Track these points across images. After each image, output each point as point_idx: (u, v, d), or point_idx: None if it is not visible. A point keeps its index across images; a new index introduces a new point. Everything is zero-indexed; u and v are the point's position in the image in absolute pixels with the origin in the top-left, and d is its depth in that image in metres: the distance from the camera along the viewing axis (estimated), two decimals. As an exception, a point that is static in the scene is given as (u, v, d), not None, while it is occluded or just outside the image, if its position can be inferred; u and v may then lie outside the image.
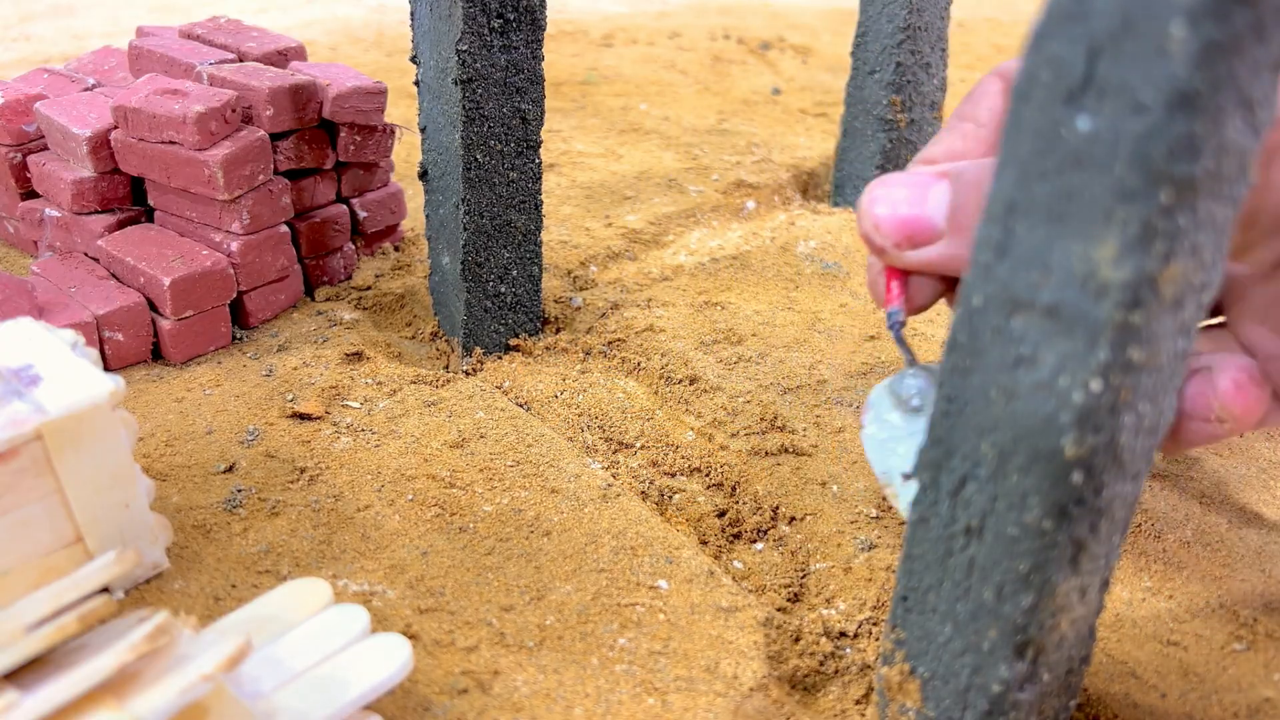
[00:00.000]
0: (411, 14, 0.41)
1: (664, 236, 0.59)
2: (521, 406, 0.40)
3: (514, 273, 0.44)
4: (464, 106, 0.39)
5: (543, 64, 0.40)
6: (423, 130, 0.43)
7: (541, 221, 0.43)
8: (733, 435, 0.39)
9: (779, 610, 0.31)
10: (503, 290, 0.44)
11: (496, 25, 0.38)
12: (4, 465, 0.25)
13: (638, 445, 0.39)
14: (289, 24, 1.10)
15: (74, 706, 0.21)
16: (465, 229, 0.41)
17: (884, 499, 0.36)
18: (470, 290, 0.43)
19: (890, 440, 0.29)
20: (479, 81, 0.38)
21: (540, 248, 0.44)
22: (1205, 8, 0.15)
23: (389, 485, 0.35)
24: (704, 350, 0.45)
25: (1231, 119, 0.16)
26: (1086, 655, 0.24)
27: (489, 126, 0.40)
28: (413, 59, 0.42)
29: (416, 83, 0.42)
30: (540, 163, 0.42)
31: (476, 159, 0.40)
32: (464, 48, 0.37)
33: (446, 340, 0.46)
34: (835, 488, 0.37)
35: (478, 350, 0.44)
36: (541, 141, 0.42)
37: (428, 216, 0.44)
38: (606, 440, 0.39)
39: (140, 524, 0.29)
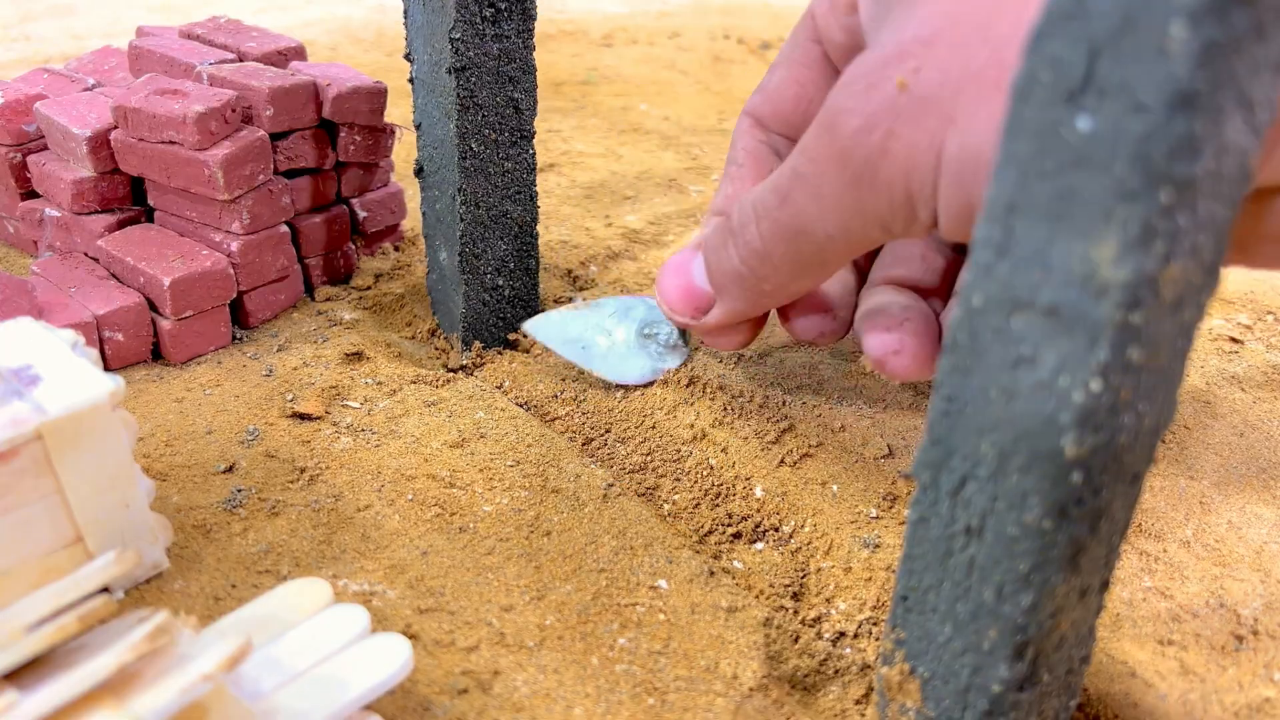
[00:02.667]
0: (405, 12, 0.41)
1: (664, 236, 0.59)
2: (521, 406, 0.40)
3: (511, 265, 0.44)
4: (458, 95, 0.39)
5: (534, 54, 0.40)
6: (418, 127, 0.43)
7: (537, 213, 0.43)
8: (733, 435, 0.39)
9: (779, 610, 0.31)
10: (500, 284, 0.44)
11: (488, 14, 0.38)
12: (4, 465, 0.25)
13: (638, 444, 0.39)
14: (289, 24, 1.10)
15: (74, 706, 0.21)
16: (462, 220, 0.41)
17: (883, 498, 0.36)
18: (468, 283, 0.43)
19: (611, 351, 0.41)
20: (472, 70, 0.39)
21: (537, 240, 0.44)
22: (1205, 7, 0.15)
23: (389, 485, 0.35)
24: (704, 350, 0.45)
25: (1232, 119, 0.16)
26: (1086, 655, 0.24)
27: (483, 115, 0.40)
28: (406, 56, 0.42)
29: (411, 79, 0.42)
30: (534, 153, 0.42)
31: (472, 148, 0.40)
32: (457, 35, 0.38)
33: (445, 338, 0.46)
34: (835, 488, 0.37)
35: (477, 345, 0.44)
36: (535, 132, 0.42)
37: (424, 214, 0.44)
38: (607, 440, 0.39)
39: (140, 524, 0.29)
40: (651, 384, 0.41)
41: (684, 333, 0.40)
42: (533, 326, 0.42)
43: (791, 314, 0.37)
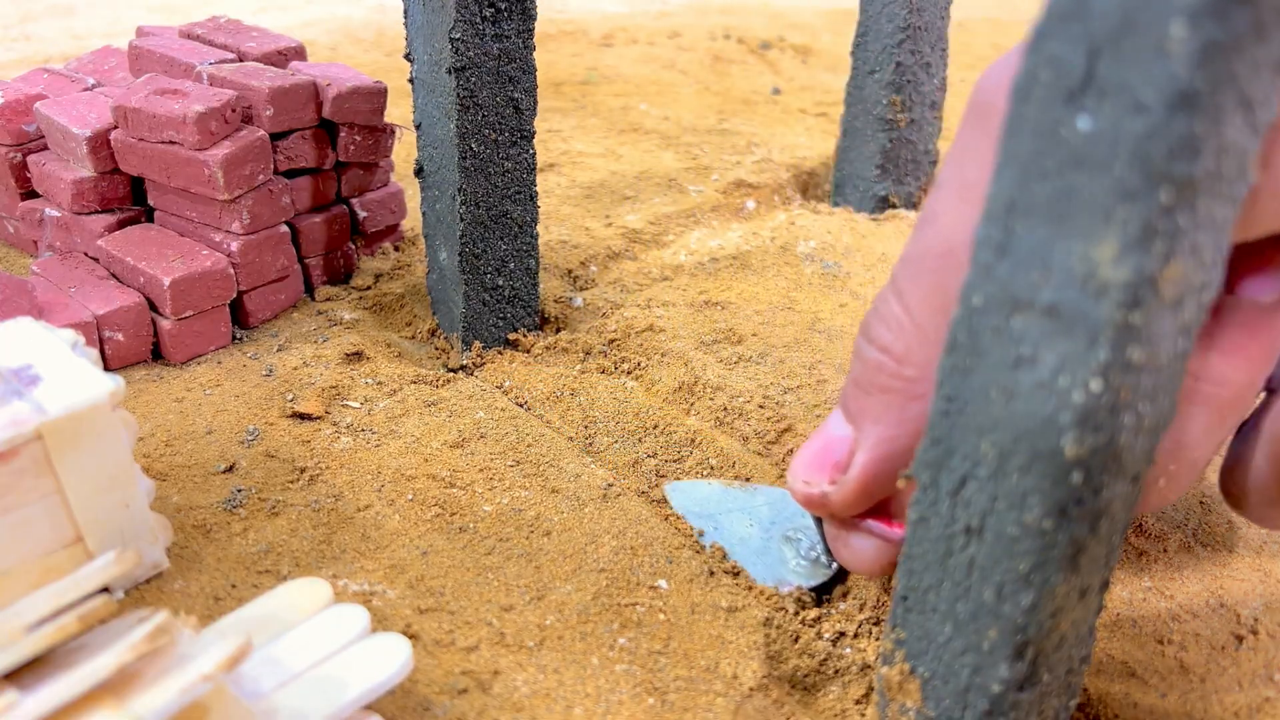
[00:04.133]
0: (405, 11, 0.41)
1: (664, 236, 0.59)
2: (521, 406, 0.40)
3: (511, 265, 0.44)
4: (458, 95, 0.39)
5: (534, 54, 0.40)
6: (418, 127, 0.43)
7: (537, 213, 0.43)
8: (733, 435, 0.39)
9: (779, 610, 0.31)
10: (500, 283, 0.44)
11: (488, 14, 0.38)
12: (4, 465, 0.25)
13: (638, 445, 0.39)
14: (289, 24, 1.10)
15: (74, 706, 0.21)
16: (462, 219, 0.41)
17: None
18: (468, 283, 0.43)
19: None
20: (472, 70, 0.39)
21: (536, 240, 0.44)
22: (1205, 7, 0.15)
23: (389, 485, 0.35)
24: (704, 350, 0.45)
25: (1232, 119, 0.16)
26: (1086, 655, 0.24)
27: (483, 115, 0.40)
28: (407, 56, 0.42)
29: (411, 79, 0.42)
30: (534, 153, 0.42)
31: (472, 148, 0.40)
32: (457, 35, 0.38)
33: (445, 338, 0.46)
34: (835, 487, 0.37)
35: (477, 344, 0.44)
36: (535, 132, 0.42)
37: (424, 214, 0.44)
38: (607, 439, 0.39)
39: (140, 524, 0.29)
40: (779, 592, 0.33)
41: (828, 548, 0.31)
42: (675, 490, 0.36)
43: None
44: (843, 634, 0.31)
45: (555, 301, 0.49)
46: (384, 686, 0.25)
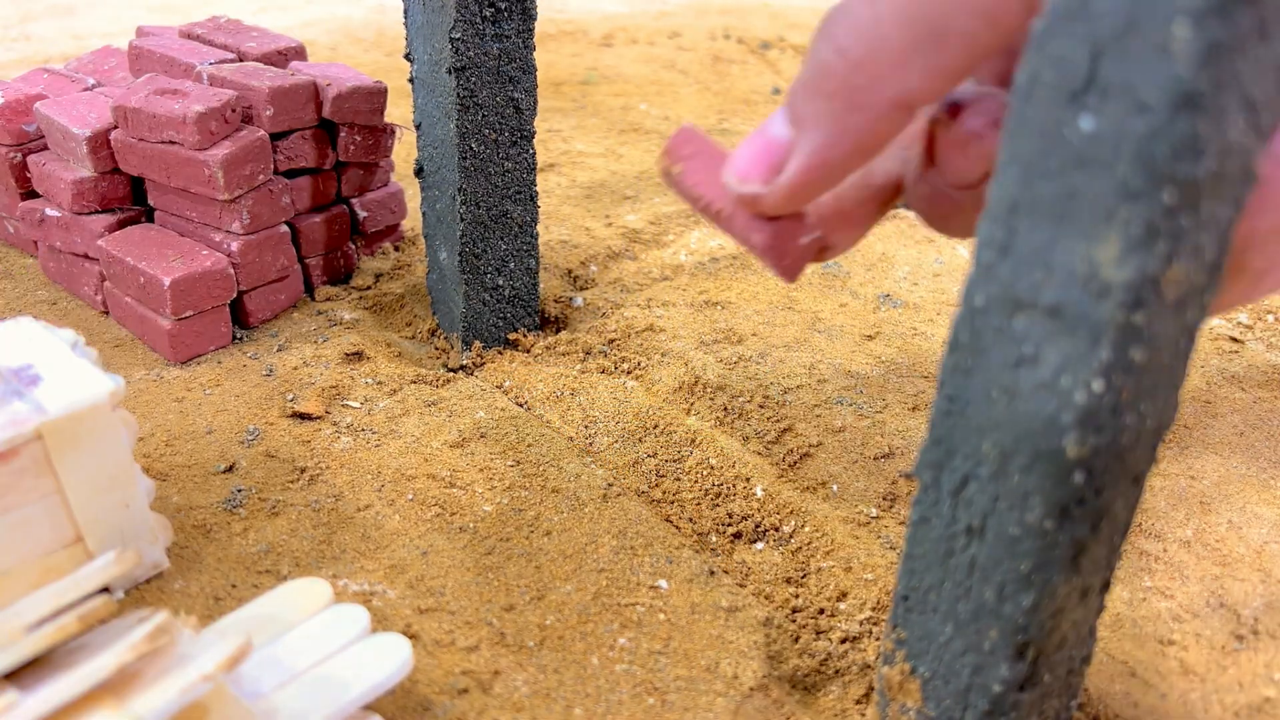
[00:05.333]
0: (405, 11, 0.41)
1: (664, 236, 0.59)
2: (521, 406, 0.40)
3: (511, 265, 0.44)
4: (458, 95, 0.39)
5: (534, 54, 0.40)
6: (418, 127, 0.43)
7: (537, 213, 0.43)
8: (733, 435, 0.39)
9: (779, 610, 0.31)
10: (500, 283, 0.44)
11: (488, 14, 0.38)
12: (4, 465, 0.25)
13: (638, 445, 0.39)
14: (289, 24, 1.10)
15: (74, 706, 0.21)
16: (462, 219, 0.41)
17: (883, 498, 0.36)
18: (468, 283, 0.43)
19: None
20: (472, 70, 0.39)
21: (536, 240, 0.44)
22: (1208, 8, 0.15)
23: (389, 485, 0.35)
24: (704, 350, 0.45)
25: (1234, 119, 0.16)
26: (1087, 655, 0.24)
27: (483, 115, 0.40)
28: (407, 56, 0.42)
29: (411, 79, 0.42)
30: (534, 153, 0.42)
31: (472, 148, 0.40)
32: (457, 35, 0.38)
33: (445, 338, 0.46)
34: (835, 487, 0.37)
35: (477, 344, 0.44)
36: (535, 132, 0.42)
37: (425, 214, 0.44)
38: (607, 439, 0.39)
39: (140, 524, 0.29)
40: None
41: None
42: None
43: (956, 111, 0.28)
44: (843, 634, 0.31)
45: (555, 301, 0.49)
46: (384, 686, 0.25)
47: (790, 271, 0.31)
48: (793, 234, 0.31)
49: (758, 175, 0.29)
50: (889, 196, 0.32)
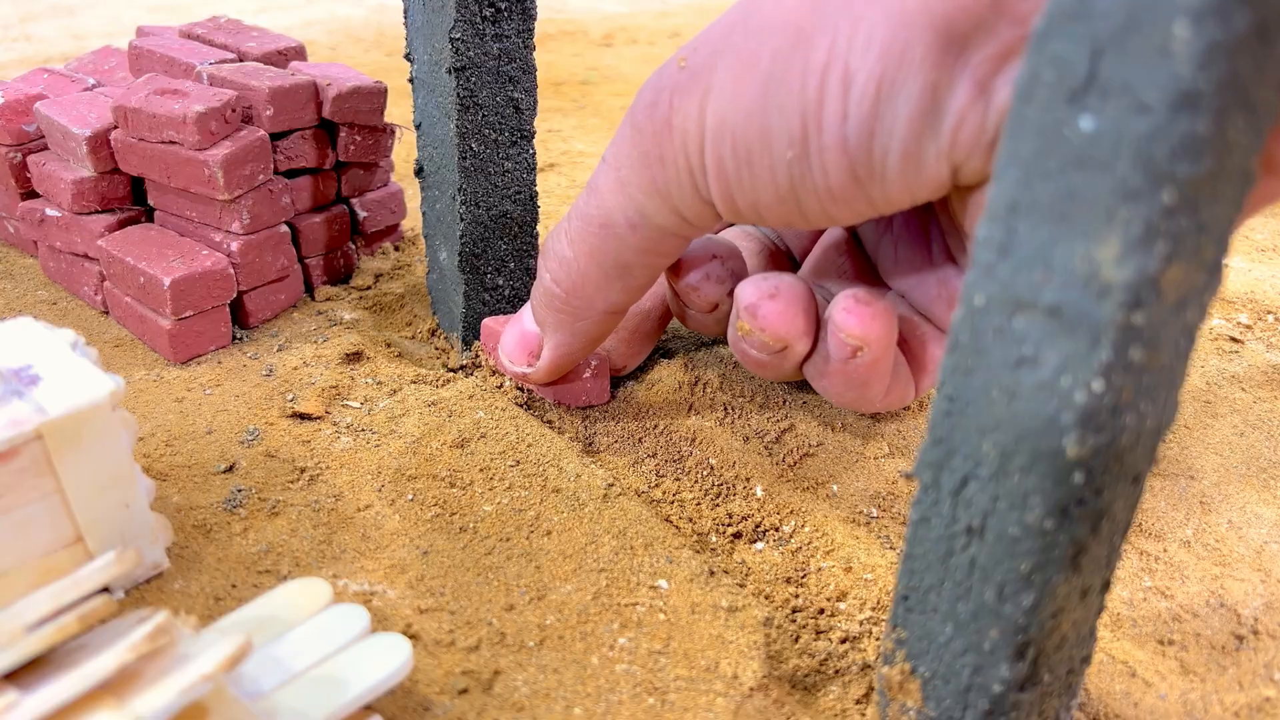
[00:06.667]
0: (405, 11, 0.41)
1: (664, 236, 0.59)
2: (521, 406, 0.40)
3: (511, 265, 0.44)
4: (458, 95, 0.39)
5: (534, 54, 0.40)
6: (418, 127, 0.43)
7: (537, 213, 0.43)
8: (733, 435, 0.39)
9: (779, 610, 0.31)
10: (500, 283, 0.44)
11: (488, 14, 0.38)
12: (4, 465, 0.25)
13: (638, 445, 0.39)
14: (289, 24, 1.10)
15: (74, 706, 0.21)
16: (462, 219, 0.41)
17: (883, 498, 0.36)
18: (468, 283, 0.43)
19: None
20: (472, 70, 0.39)
21: (536, 240, 0.44)
22: (1209, 8, 0.15)
23: (389, 485, 0.35)
24: (704, 349, 0.45)
25: (1234, 120, 0.16)
26: (1087, 655, 0.24)
27: (483, 115, 0.40)
28: (407, 56, 0.42)
29: (411, 79, 0.42)
30: (534, 153, 0.42)
31: (472, 148, 0.40)
32: (457, 35, 0.38)
33: (445, 338, 0.46)
34: (835, 487, 0.37)
35: (477, 344, 0.44)
36: (535, 132, 0.42)
37: (424, 214, 0.44)
38: (607, 439, 0.39)
39: (140, 524, 0.29)
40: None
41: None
42: None
43: (680, 270, 0.36)
44: (843, 634, 0.31)
45: (555, 301, 0.49)
46: (384, 686, 0.25)
47: (596, 395, 0.40)
48: (576, 375, 0.39)
49: (521, 360, 0.38)
50: (661, 320, 0.41)
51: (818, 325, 0.33)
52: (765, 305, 0.32)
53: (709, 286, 0.36)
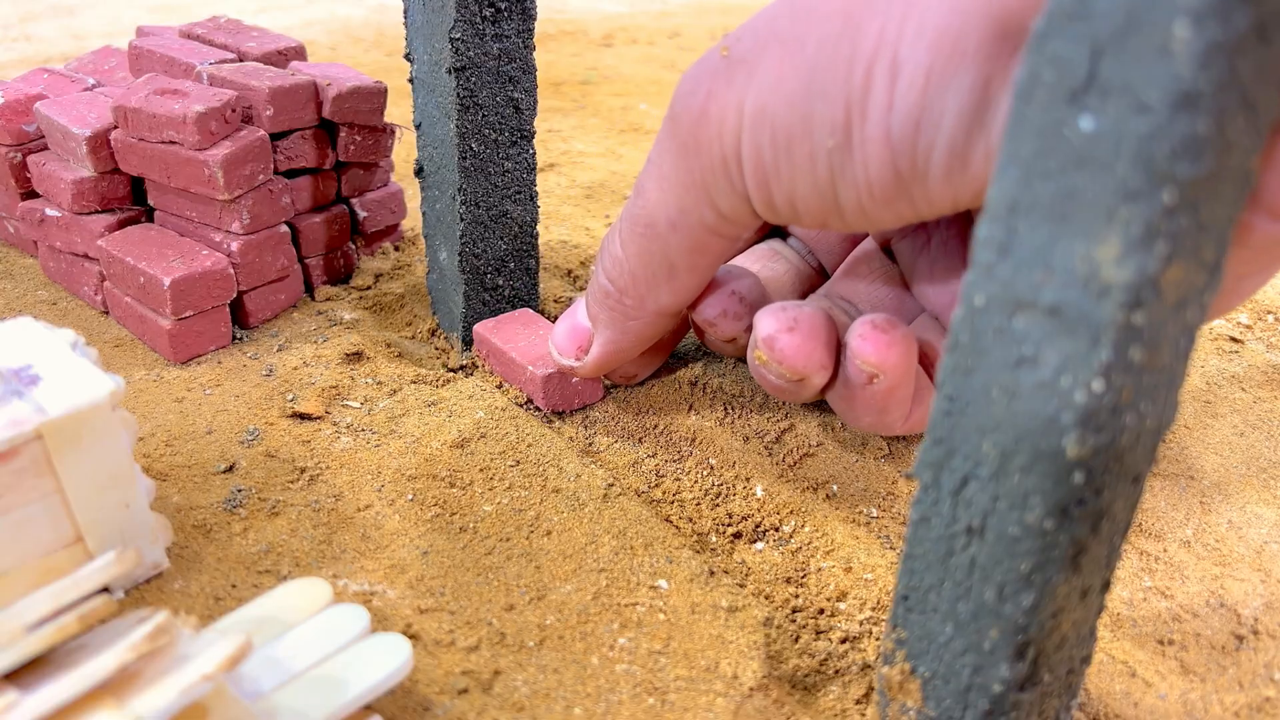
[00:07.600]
0: (405, 11, 0.41)
1: (664, 236, 0.59)
2: (521, 406, 0.40)
3: (511, 265, 0.44)
4: (458, 95, 0.39)
5: (534, 54, 0.40)
6: (418, 127, 0.43)
7: (537, 213, 0.43)
8: (733, 435, 0.39)
9: (779, 610, 0.31)
10: (500, 283, 0.44)
11: (488, 14, 0.38)
12: (4, 465, 0.25)
13: (638, 445, 0.39)
14: (289, 24, 1.10)
15: (74, 706, 0.21)
16: (462, 219, 0.41)
17: (883, 498, 0.36)
18: (468, 283, 0.43)
19: None
20: (472, 70, 0.39)
21: (536, 240, 0.44)
22: (1209, 8, 0.15)
23: (389, 485, 0.35)
24: (704, 349, 0.45)
25: (1234, 120, 0.16)
26: (1087, 655, 0.24)
27: (483, 115, 0.40)
28: (407, 56, 0.42)
29: (411, 79, 0.42)
30: (534, 153, 0.42)
31: (472, 148, 0.40)
32: (456, 35, 0.38)
33: (445, 338, 0.46)
34: (835, 487, 0.37)
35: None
36: (535, 132, 0.42)
37: (424, 214, 0.44)
38: (607, 439, 0.39)
39: (140, 524, 0.29)
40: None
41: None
42: None
43: (697, 303, 0.36)
44: (843, 634, 0.31)
45: (555, 301, 0.49)
46: (384, 686, 0.25)
47: (589, 395, 0.40)
48: (565, 380, 0.39)
49: (570, 352, 0.38)
50: (675, 333, 0.41)
51: (838, 354, 0.33)
52: (783, 339, 0.32)
53: (725, 323, 0.36)
